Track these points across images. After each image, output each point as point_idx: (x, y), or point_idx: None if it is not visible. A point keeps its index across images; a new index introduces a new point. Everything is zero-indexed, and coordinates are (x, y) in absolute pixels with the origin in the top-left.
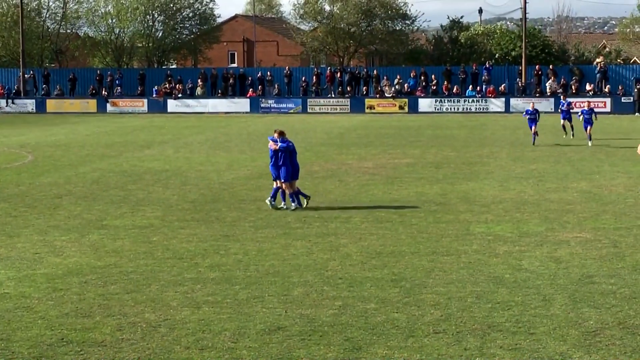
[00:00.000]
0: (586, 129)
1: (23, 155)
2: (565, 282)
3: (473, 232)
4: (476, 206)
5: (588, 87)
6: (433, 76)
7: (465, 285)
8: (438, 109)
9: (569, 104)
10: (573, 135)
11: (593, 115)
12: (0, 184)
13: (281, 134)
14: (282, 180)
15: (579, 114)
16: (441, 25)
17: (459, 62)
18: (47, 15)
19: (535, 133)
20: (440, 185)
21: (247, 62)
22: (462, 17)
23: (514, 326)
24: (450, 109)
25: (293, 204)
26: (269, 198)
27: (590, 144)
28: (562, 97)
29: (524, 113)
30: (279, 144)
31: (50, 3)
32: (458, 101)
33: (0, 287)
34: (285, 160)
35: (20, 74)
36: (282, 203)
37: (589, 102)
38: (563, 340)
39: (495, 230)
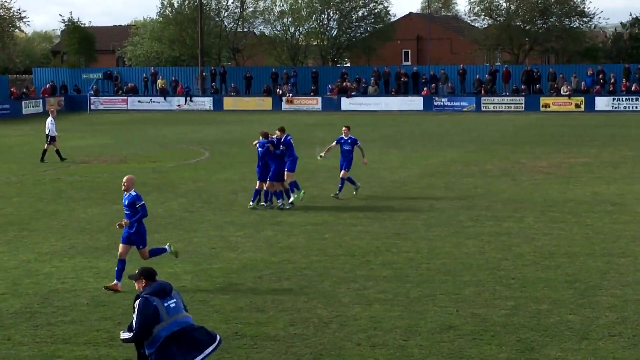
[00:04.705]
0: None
1: (200, 152)
2: None
3: None
4: None
5: None
6: (611, 74)
7: None
8: (615, 108)
9: (353, 142)
10: (356, 191)
11: (358, 146)
12: (179, 180)
13: (265, 135)
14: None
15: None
16: (621, 23)
17: (639, 59)
18: (226, 15)
19: (346, 179)
20: (617, 186)
21: (420, 60)
22: None
23: None
24: (629, 107)
25: (273, 202)
26: (265, 202)
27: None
28: (344, 130)
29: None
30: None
31: (230, 3)
32: (637, 100)
33: (178, 281)
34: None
35: (199, 72)
36: (279, 201)
37: (347, 128)
38: None
39: None
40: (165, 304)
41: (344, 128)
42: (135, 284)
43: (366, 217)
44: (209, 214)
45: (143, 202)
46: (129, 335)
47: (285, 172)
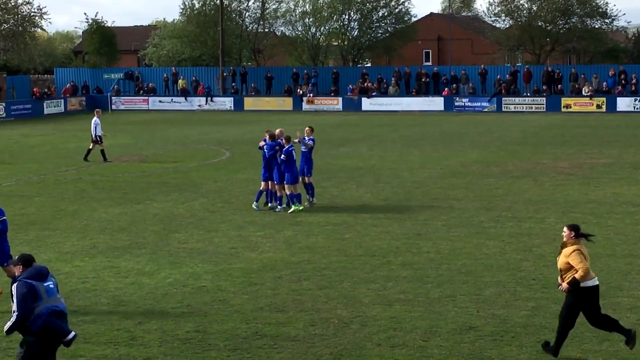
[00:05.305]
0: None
1: (221, 152)
2: None
3: None
4: None
5: None
6: (633, 75)
7: None
8: (637, 109)
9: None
10: (312, 202)
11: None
12: (199, 180)
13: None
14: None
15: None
16: None
17: None
18: (247, 15)
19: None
20: (638, 187)
21: (441, 61)
22: None
23: None
24: None
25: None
26: (279, 205)
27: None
28: (306, 132)
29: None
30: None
31: (251, 3)
32: None
33: (199, 281)
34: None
35: (220, 72)
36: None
37: (309, 129)
38: None
39: None
40: (45, 284)
41: (307, 128)
42: (14, 269)
43: (386, 217)
44: (230, 214)
45: (5, 217)
46: (13, 318)
47: (285, 185)
